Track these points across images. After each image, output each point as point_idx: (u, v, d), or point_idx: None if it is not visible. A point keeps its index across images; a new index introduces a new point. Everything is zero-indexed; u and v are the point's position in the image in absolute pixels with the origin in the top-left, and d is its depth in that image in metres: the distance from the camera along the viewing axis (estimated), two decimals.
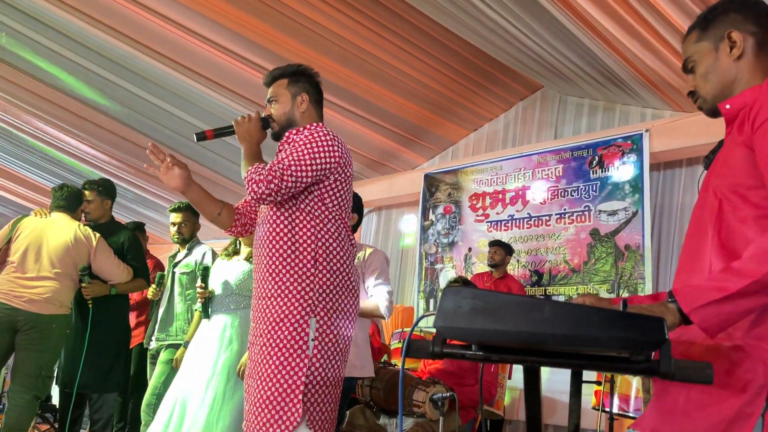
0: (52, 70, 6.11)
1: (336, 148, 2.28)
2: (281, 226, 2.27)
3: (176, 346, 4.09)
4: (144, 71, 5.83)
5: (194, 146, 7.11)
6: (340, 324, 2.24)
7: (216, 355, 3.49)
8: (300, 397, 2.12)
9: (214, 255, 4.32)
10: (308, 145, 2.25)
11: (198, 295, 3.71)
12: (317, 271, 2.22)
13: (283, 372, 2.15)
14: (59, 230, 4.07)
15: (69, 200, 4.24)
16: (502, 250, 5.64)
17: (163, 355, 4.17)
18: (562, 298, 5.74)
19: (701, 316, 1.26)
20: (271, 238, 2.27)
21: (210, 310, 3.67)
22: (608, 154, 5.66)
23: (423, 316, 1.49)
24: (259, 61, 5.48)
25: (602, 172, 5.68)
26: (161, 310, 4.32)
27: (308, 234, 2.24)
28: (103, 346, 4.16)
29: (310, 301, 2.19)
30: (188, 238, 4.40)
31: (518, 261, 6.08)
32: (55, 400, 5.58)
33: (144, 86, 6.10)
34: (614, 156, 5.62)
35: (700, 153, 5.27)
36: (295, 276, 2.22)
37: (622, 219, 5.48)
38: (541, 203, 6.11)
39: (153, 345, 4.31)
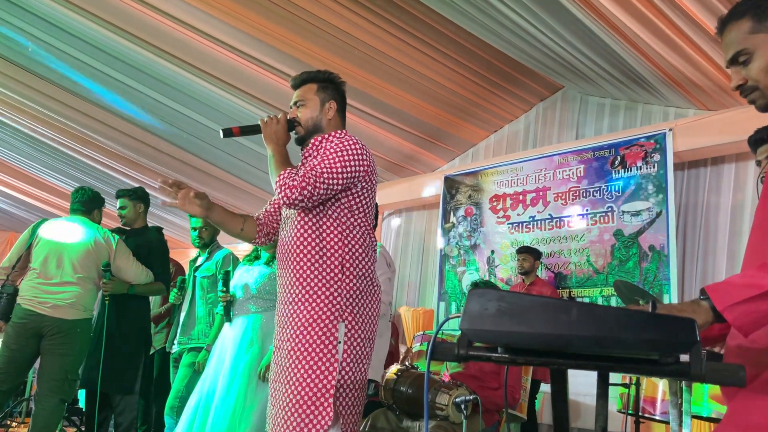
0: (75, 78, 6.19)
1: (365, 156, 2.32)
2: (309, 231, 2.29)
3: (198, 349, 4.12)
4: (165, 77, 5.88)
5: (212, 150, 7.18)
6: (366, 327, 2.28)
7: (238, 358, 3.51)
8: (331, 400, 2.14)
9: (236, 259, 4.35)
10: (339, 153, 2.27)
11: (220, 299, 3.74)
12: (344, 276, 2.25)
13: (313, 376, 2.16)
14: (79, 234, 4.10)
15: (87, 203, 4.27)
16: (530, 256, 5.56)
17: (185, 358, 4.19)
18: (586, 300, 5.68)
19: (735, 314, 1.22)
20: (299, 243, 2.29)
21: (231, 313, 3.70)
22: (631, 154, 5.60)
23: (448, 319, 1.47)
24: (279, 65, 5.50)
25: (625, 172, 5.62)
26: (183, 314, 4.35)
27: (336, 240, 2.27)
28: (119, 346, 4.18)
29: (338, 306, 2.22)
30: (209, 242, 4.43)
31: (541, 262, 6.02)
32: (82, 403, 5.63)
33: (165, 92, 6.15)
34: (637, 156, 5.55)
35: (725, 152, 5.20)
36: (324, 281, 2.24)
37: (645, 219, 5.41)
38: (562, 204, 6.05)
39: (175, 348, 4.34)
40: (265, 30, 5.10)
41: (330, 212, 2.30)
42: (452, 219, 7.00)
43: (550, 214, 6.12)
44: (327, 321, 2.20)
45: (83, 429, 4.87)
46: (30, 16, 5.26)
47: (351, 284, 2.26)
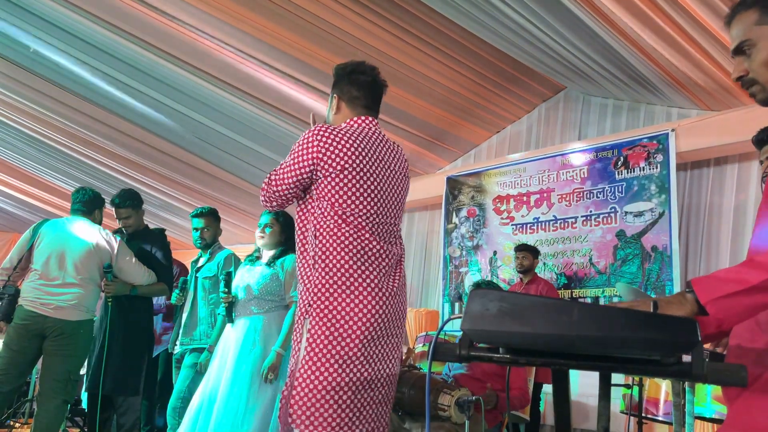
0: (78, 79, 6.20)
1: (315, 143, 2.18)
2: (298, 227, 2.29)
3: (200, 350, 4.12)
4: (166, 78, 5.89)
5: (216, 152, 7.19)
6: (338, 325, 2.11)
7: (241, 360, 3.50)
8: (290, 400, 2.10)
9: (237, 260, 4.34)
10: (295, 147, 2.24)
11: (222, 300, 3.73)
12: (315, 271, 2.16)
13: (288, 372, 2.17)
14: (81, 235, 4.09)
15: (87, 204, 4.26)
16: (529, 254, 5.53)
17: (188, 359, 4.19)
18: (588, 301, 5.67)
19: (717, 307, 1.23)
20: (296, 239, 2.30)
21: (234, 314, 3.69)
22: (633, 155, 5.59)
23: (449, 319, 1.47)
24: (280, 66, 5.49)
25: (628, 172, 5.61)
26: (185, 315, 4.34)
27: (310, 234, 2.21)
28: (121, 348, 4.17)
29: (306, 302, 2.16)
30: (210, 243, 4.42)
31: (545, 264, 6.02)
32: (85, 404, 5.63)
33: (166, 92, 6.15)
34: (640, 156, 5.54)
35: (727, 152, 5.18)
36: (300, 277, 2.22)
37: (648, 220, 5.40)
38: (566, 205, 6.04)
39: (177, 349, 4.34)
40: (266, 31, 5.10)
41: (309, 207, 2.24)
42: (454, 220, 7.00)
43: (554, 216, 6.11)
44: (300, 317, 2.19)
45: (86, 430, 4.87)
46: (30, 16, 5.27)
47: (320, 280, 2.14)
